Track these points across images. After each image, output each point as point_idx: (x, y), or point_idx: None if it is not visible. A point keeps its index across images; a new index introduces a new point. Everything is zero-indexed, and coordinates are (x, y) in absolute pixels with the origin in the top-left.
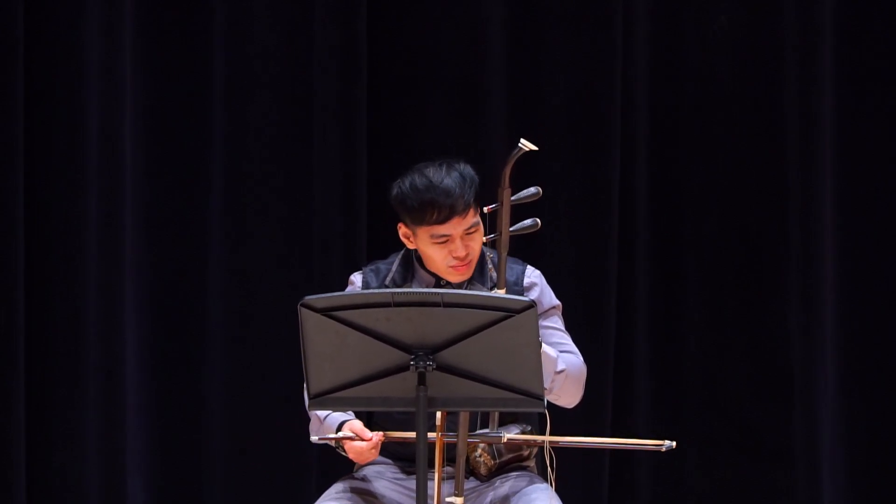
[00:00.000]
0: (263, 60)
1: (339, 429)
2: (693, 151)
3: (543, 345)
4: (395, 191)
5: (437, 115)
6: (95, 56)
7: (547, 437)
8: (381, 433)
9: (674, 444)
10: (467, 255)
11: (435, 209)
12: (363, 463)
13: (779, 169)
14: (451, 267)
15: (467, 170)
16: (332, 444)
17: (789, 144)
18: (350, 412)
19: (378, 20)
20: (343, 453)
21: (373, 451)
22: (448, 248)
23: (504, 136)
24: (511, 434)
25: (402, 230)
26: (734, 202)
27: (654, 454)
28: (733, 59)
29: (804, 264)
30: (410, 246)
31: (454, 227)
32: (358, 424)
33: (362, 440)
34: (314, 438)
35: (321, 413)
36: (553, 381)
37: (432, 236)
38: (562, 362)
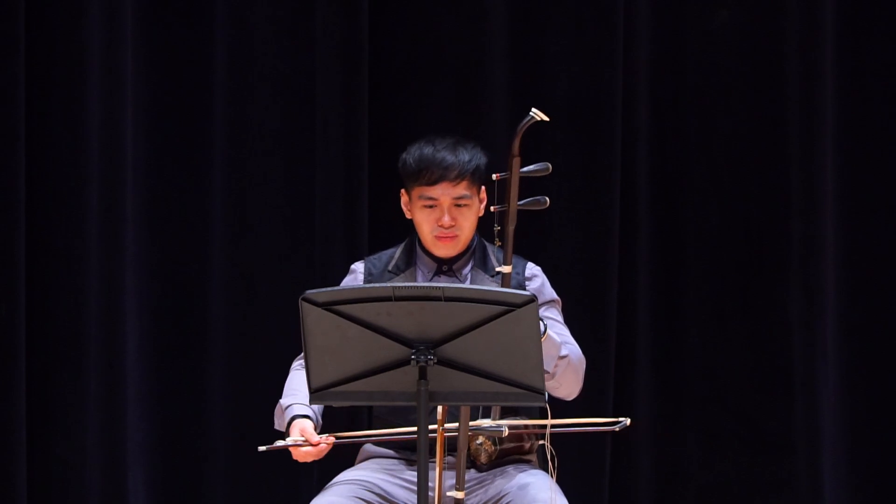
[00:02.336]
0: (265, 53)
1: (289, 424)
2: (695, 144)
3: (549, 330)
4: (403, 155)
5: (439, 107)
6: (97, 49)
7: (549, 421)
8: (330, 438)
9: (628, 421)
10: (453, 226)
11: (428, 171)
12: (308, 461)
13: (780, 161)
14: (436, 237)
15: (475, 150)
16: (284, 431)
17: (791, 136)
18: (307, 404)
19: (380, 12)
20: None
21: (319, 454)
22: (435, 215)
23: (506, 128)
24: (509, 422)
25: (403, 197)
26: (736, 194)
27: (657, 446)
28: (735, 50)
29: (805, 256)
30: (408, 215)
31: (442, 192)
32: (308, 426)
33: (309, 445)
34: (261, 448)
35: (284, 402)
36: (556, 365)
37: (421, 197)
38: (565, 348)
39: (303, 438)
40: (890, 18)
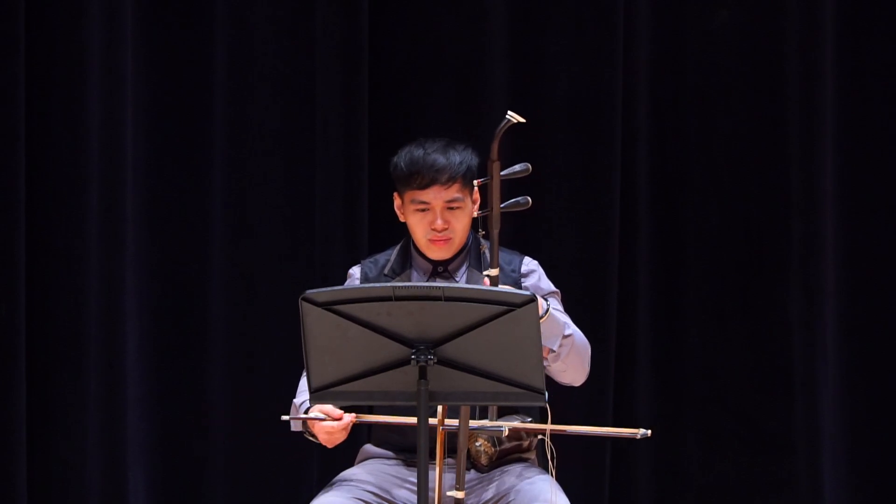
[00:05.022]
0: (265, 53)
1: (306, 413)
2: (695, 144)
3: (551, 308)
4: (394, 158)
5: (439, 107)
6: (97, 49)
7: (548, 426)
8: (353, 414)
9: (649, 432)
10: (446, 229)
11: (419, 175)
12: (331, 446)
13: (780, 161)
14: (430, 240)
15: (466, 152)
16: (302, 429)
17: (791, 136)
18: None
19: (380, 12)
20: (312, 439)
21: (343, 432)
22: (428, 219)
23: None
24: (511, 424)
25: (396, 201)
26: (736, 194)
27: (657, 446)
28: (735, 50)
29: (805, 256)
30: (402, 218)
31: (434, 196)
32: (328, 406)
33: (332, 419)
34: (285, 417)
35: (298, 400)
36: (561, 344)
37: (413, 202)
38: (569, 327)
39: (324, 416)
40: (890, 18)
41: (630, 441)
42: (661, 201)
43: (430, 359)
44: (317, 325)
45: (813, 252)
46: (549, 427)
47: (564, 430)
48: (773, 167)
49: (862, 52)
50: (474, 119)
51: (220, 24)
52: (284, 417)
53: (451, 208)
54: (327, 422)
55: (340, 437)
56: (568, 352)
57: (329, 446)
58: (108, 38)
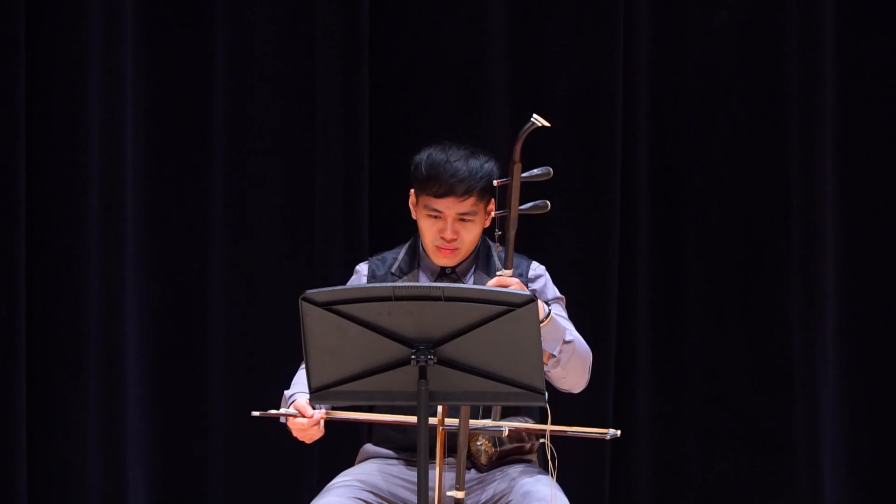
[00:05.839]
0: (265, 53)
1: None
2: (695, 144)
3: (553, 313)
4: (417, 157)
5: (439, 107)
6: (97, 49)
7: (548, 427)
8: (323, 411)
9: (618, 432)
10: (455, 239)
11: (436, 183)
12: (308, 441)
13: (780, 161)
14: (437, 247)
15: (487, 164)
16: (281, 419)
17: (791, 136)
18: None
19: (380, 12)
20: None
21: (315, 428)
22: (438, 226)
23: (506, 128)
24: (512, 424)
25: (411, 198)
26: (736, 194)
27: (657, 446)
28: (735, 50)
29: (805, 256)
30: (414, 216)
31: (448, 206)
32: (301, 401)
33: (303, 417)
34: (255, 413)
35: (287, 392)
36: (561, 350)
37: (426, 207)
38: (570, 333)
39: (296, 412)
40: (890, 18)
41: (630, 441)
42: (661, 201)
43: (430, 359)
44: (317, 325)
45: (813, 252)
46: (549, 427)
47: (542, 430)
48: (773, 167)
49: (862, 52)
50: (474, 119)
51: (220, 24)
52: (255, 413)
53: (463, 220)
54: (298, 419)
55: (315, 434)
56: (568, 358)
57: (307, 442)
58: (108, 38)
